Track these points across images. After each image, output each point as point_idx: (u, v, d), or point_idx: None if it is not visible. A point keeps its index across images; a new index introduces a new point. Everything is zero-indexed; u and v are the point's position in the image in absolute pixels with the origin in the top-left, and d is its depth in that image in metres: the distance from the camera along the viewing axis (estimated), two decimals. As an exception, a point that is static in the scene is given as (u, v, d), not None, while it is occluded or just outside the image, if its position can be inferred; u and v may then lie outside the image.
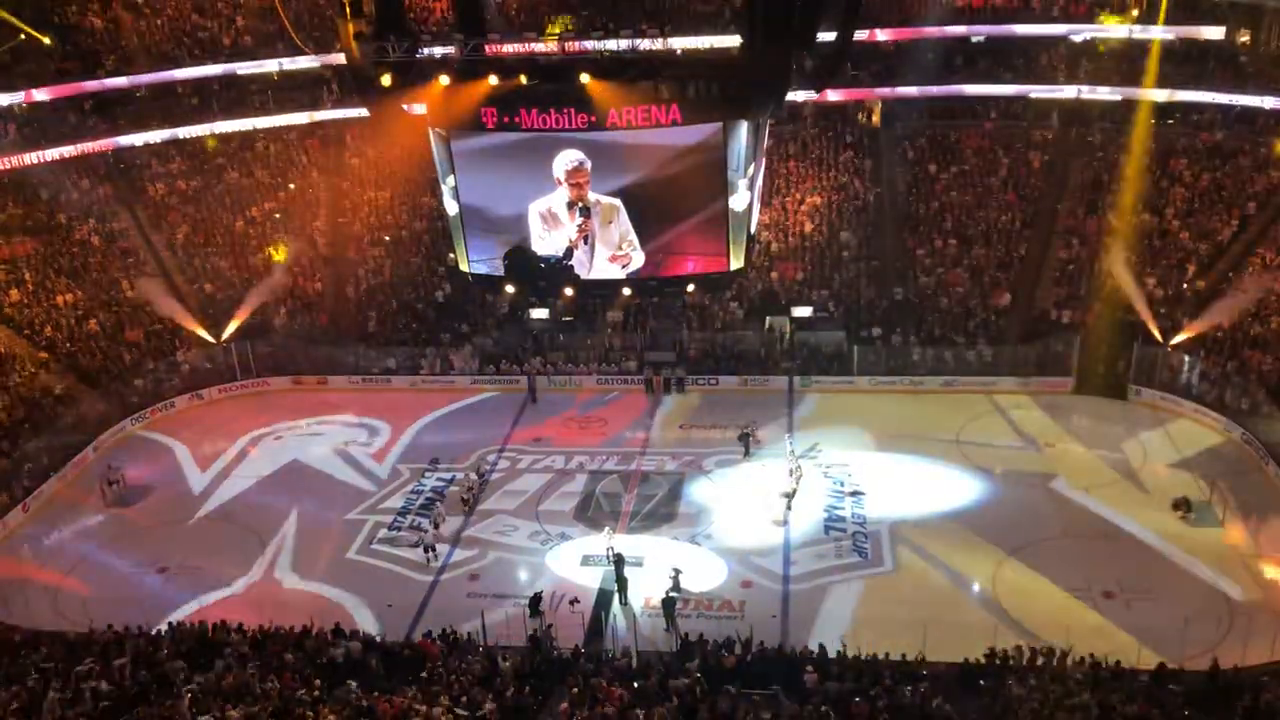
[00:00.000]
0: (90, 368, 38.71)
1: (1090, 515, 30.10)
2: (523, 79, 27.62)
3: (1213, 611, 25.37)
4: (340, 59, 39.03)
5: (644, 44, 27.52)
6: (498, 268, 31.43)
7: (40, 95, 41.94)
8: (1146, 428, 35.06)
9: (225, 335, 41.01)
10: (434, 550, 29.79)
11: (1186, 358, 36.04)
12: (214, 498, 33.69)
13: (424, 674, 22.61)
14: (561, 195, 29.48)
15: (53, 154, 41.81)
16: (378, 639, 24.75)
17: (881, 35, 43.25)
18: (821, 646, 23.20)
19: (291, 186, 46.63)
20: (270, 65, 45.43)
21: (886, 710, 20.50)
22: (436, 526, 30.71)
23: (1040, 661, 22.34)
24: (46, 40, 42.54)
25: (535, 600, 26.58)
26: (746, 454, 33.99)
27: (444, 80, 28.02)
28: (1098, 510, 30.34)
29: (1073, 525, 29.66)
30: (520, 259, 30.99)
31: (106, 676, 22.12)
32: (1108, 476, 32.23)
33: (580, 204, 29.60)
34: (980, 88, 44.10)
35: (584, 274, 30.82)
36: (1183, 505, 29.86)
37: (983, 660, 22.64)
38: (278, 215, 45.54)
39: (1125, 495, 31.17)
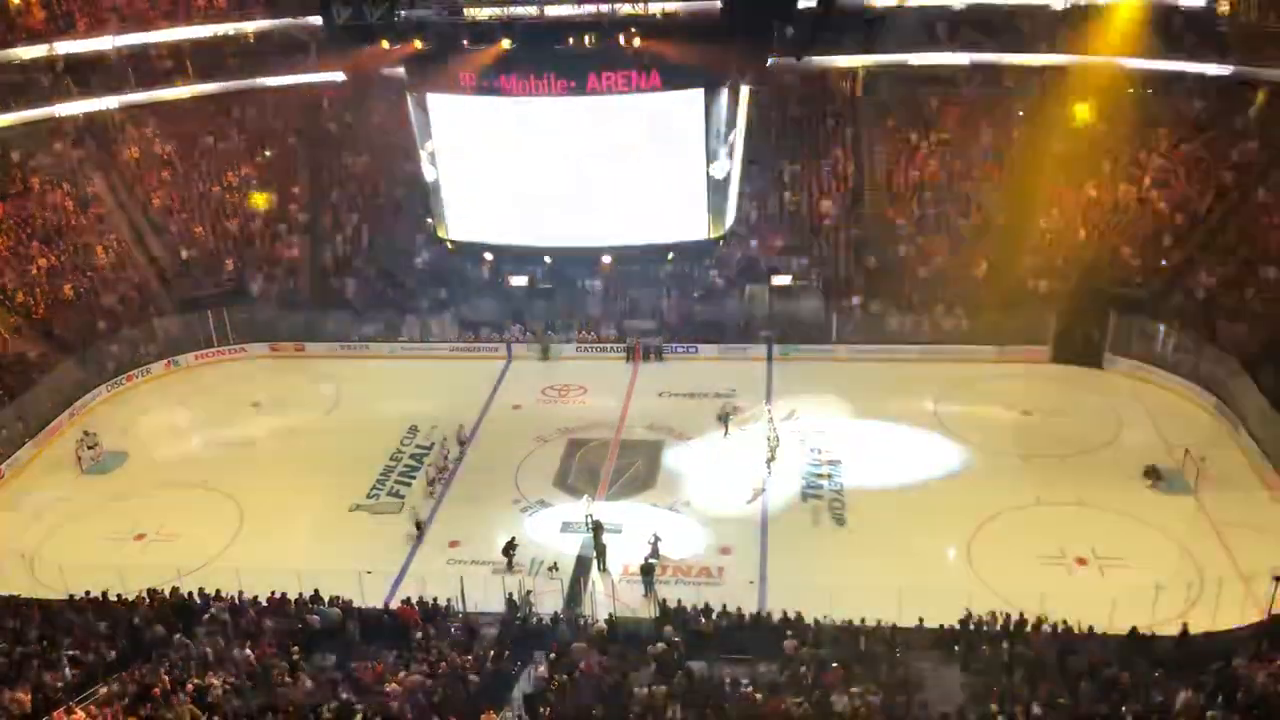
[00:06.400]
0: (65, 334, 38.33)
1: (1064, 482, 30.32)
2: (503, 43, 27.39)
3: (1183, 578, 25.69)
4: (318, 21, 38.57)
5: (624, 8, 27.29)
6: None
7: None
8: (1121, 396, 35.35)
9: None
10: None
11: (1162, 327, 36.29)
12: (191, 464, 33.57)
13: (405, 640, 22.71)
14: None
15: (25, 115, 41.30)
16: (355, 605, 24.78)
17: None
18: (799, 613, 23.37)
19: (268, 153, 46.11)
20: (246, 27, 44.85)
21: (861, 675, 20.71)
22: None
23: (1014, 627, 22.62)
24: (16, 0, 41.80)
25: (510, 546, 27.01)
26: (726, 434, 33.85)
27: (422, 44, 27.74)
28: (1072, 478, 30.59)
29: (1047, 492, 29.89)
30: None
31: (84, 644, 22.08)
32: (1082, 445, 32.49)
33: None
34: (962, 56, 43.92)
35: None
36: (1153, 474, 30.18)
37: (957, 626, 22.88)
38: (254, 181, 45.10)
39: (1099, 463, 31.46)
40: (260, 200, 43.44)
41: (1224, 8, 40.82)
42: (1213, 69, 40.01)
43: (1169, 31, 40.83)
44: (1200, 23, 40.52)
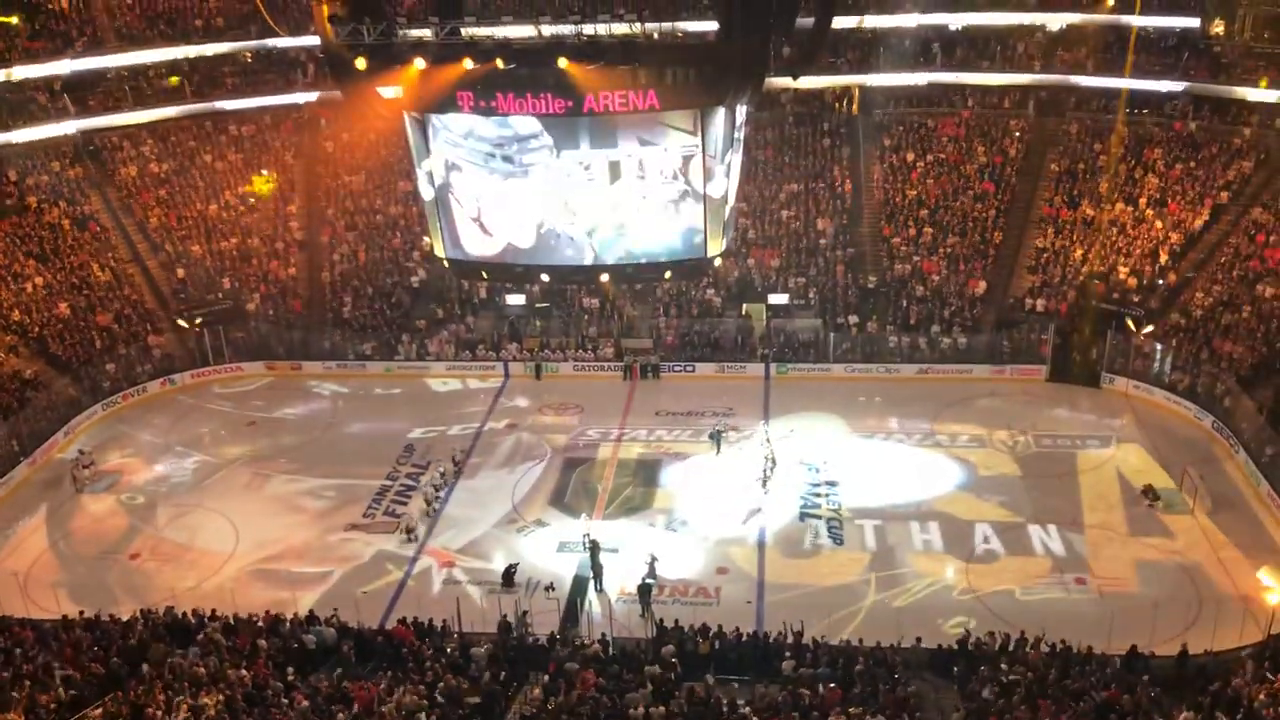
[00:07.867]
0: (60, 352, 38.25)
1: (1061, 501, 30.32)
2: (499, 63, 27.40)
3: (1181, 598, 25.65)
4: (314, 41, 38.66)
5: (621, 28, 27.29)
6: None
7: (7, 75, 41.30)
8: (1118, 415, 35.36)
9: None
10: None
11: (1159, 346, 36.35)
12: (186, 483, 33.42)
13: (400, 660, 22.58)
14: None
15: (22, 135, 41.31)
16: (351, 625, 24.64)
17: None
18: (797, 633, 23.28)
19: (264, 172, 46.16)
20: (243, 46, 45.04)
21: (859, 696, 20.62)
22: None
23: (1012, 647, 22.54)
24: (14, 20, 41.87)
25: (509, 572, 26.87)
26: (718, 453, 33.71)
27: (419, 64, 27.76)
28: (1069, 497, 30.58)
29: (1044, 512, 29.85)
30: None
31: (77, 664, 21.93)
32: (1079, 464, 32.47)
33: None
34: (958, 75, 44.19)
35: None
36: (1150, 494, 30.15)
37: (956, 646, 22.80)
38: (251, 200, 45.14)
39: (1096, 482, 31.42)
40: (261, 184, 43.41)
41: (1218, 28, 41.20)
42: (1208, 88, 40.38)
43: (1163, 51, 41.21)
44: (1194, 43, 40.90)
